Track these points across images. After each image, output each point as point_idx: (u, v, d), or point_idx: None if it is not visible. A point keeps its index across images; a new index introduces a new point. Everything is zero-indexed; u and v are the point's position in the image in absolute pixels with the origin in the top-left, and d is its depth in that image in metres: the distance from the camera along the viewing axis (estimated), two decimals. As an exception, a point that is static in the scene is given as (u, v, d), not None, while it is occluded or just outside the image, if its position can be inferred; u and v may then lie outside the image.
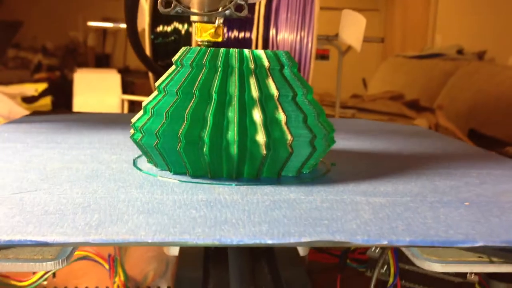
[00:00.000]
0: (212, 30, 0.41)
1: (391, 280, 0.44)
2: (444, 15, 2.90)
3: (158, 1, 0.40)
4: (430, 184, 0.39)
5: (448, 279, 0.45)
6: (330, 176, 0.41)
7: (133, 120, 0.41)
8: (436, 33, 2.95)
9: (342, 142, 0.56)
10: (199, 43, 0.42)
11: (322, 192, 0.36)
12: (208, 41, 0.42)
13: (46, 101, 2.26)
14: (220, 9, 0.41)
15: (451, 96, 2.10)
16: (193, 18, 0.42)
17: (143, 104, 0.41)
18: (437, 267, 0.33)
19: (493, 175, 0.43)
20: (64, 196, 0.33)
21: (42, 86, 2.42)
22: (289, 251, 0.44)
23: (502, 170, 0.45)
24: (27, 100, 2.27)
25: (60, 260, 0.31)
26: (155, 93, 0.41)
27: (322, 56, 1.62)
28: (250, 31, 0.96)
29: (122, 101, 2.06)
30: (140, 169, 0.41)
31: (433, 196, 0.36)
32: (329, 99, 1.88)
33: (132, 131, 0.41)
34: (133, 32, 0.54)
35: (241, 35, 0.97)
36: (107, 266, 0.47)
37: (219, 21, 0.41)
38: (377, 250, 0.47)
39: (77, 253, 0.47)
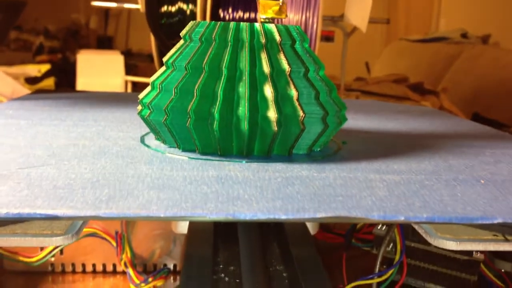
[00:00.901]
0: (277, 7, 0.40)
1: (397, 257, 0.43)
2: (448, -1, 2.88)
3: None
4: (444, 163, 0.38)
5: (454, 257, 0.45)
6: (341, 154, 0.40)
7: (141, 96, 0.40)
8: (441, 17, 2.92)
9: (352, 122, 0.55)
10: (262, 20, 0.41)
11: (334, 169, 0.35)
12: (272, 18, 0.40)
13: (49, 82, 2.24)
14: None
15: (455, 80, 2.09)
16: None
17: (151, 80, 0.40)
18: (452, 245, 0.32)
19: (508, 154, 0.42)
20: (72, 171, 0.32)
21: (45, 67, 2.40)
22: (299, 229, 0.44)
23: (515, 149, 0.44)
24: (30, 80, 2.26)
25: (70, 235, 0.30)
26: (163, 68, 0.40)
27: (327, 37, 1.60)
28: (255, 11, 0.94)
29: (126, 82, 2.05)
30: (148, 146, 0.40)
31: (448, 175, 0.35)
32: (334, 82, 1.86)
33: (139, 107, 0.40)
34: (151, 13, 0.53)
35: (246, 15, 0.96)
36: (114, 243, 0.47)
37: None
38: (383, 228, 0.46)
39: (85, 230, 0.46)
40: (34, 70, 2.41)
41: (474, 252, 0.44)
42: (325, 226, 0.53)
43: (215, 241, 0.42)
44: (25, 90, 1.79)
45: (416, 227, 0.35)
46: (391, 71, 2.32)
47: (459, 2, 2.79)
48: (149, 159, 0.36)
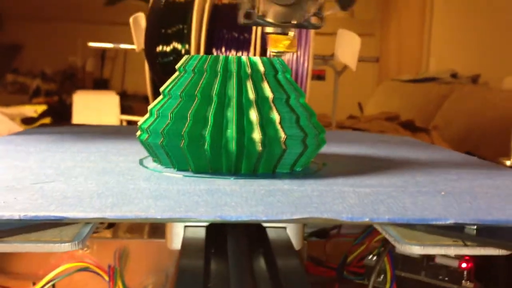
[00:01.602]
0: (287, 42, 0.43)
1: (387, 287, 0.47)
2: (438, 40, 2.96)
3: (239, 13, 0.41)
4: (412, 179, 0.43)
5: (444, 286, 0.48)
6: (321, 173, 0.44)
7: (140, 122, 0.45)
8: (430, 57, 3.00)
9: (334, 149, 0.59)
10: (273, 54, 0.43)
11: (313, 184, 0.39)
12: (283, 52, 0.43)
13: (46, 122, 2.29)
14: (295, 21, 0.41)
15: (446, 119, 2.13)
16: (268, 29, 0.43)
17: (149, 107, 0.45)
18: (417, 250, 0.36)
19: (472, 173, 0.47)
20: (80, 185, 0.36)
21: (42, 108, 2.45)
22: (284, 244, 0.48)
23: (481, 169, 0.49)
24: (27, 121, 2.30)
25: (76, 242, 0.34)
26: (160, 97, 0.45)
27: (318, 76, 1.66)
28: (248, 50, 0.99)
29: (121, 121, 2.10)
30: (146, 167, 0.44)
31: (413, 188, 0.39)
32: (325, 120, 1.91)
33: (138, 132, 0.45)
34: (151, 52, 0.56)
35: (239, 54, 1.01)
36: (106, 278, 0.48)
37: (293, 32, 0.42)
38: (374, 258, 0.50)
39: (77, 265, 0.47)
40: (31, 110, 2.44)
41: (463, 282, 0.48)
42: (316, 260, 0.55)
43: (207, 255, 0.46)
44: (21, 130, 1.83)
45: (386, 236, 0.39)
46: (383, 110, 2.37)
47: (448, 43, 2.87)
48: (147, 177, 0.40)
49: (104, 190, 0.35)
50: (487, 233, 0.34)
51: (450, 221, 0.31)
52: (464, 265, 0.47)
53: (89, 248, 0.52)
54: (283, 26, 0.43)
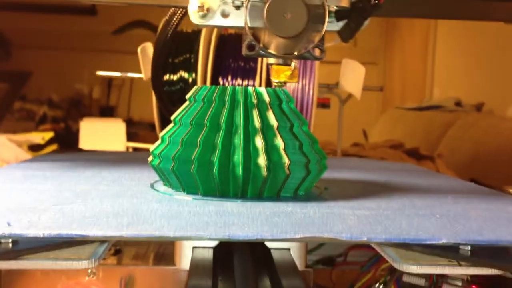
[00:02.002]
0: (289, 72, 0.45)
1: None
2: (442, 68, 2.98)
3: (243, 45, 0.43)
4: (409, 203, 0.45)
5: None
6: (323, 196, 0.47)
7: (151, 148, 0.47)
8: (434, 86, 3.02)
9: (336, 174, 0.62)
10: (275, 84, 0.45)
11: (315, 207, 0.42)
12: (284, 82, 0.45)
13: (53, 149, 2.31)
14: (298, 52, 0.43)
15: (451, 147, 2.13)
16: (271, 60, 0.45)
17: (160, 134, 0.47)
18: (414, 269, 0.38)
19: (468, 197, 0.49)
20: (97, 207, 0.39)
21: (49, 135, 2.48)
22: (288, 265, 0.50)
23: (477, 194, 0.51)
24: (34, 148, 2.32)
25: (93, 259, 0.36)
26: (171, 125, 0.48)
27: (323, 104, 1.69)
28: (254, 79, 1.02)
29: (127, 148, 2.12)
30: (157, 190, 0.47)
31: (410, 211, 0.42)
32: (330, 147, 1.93)
33: (150, 157, 0.47)
34: (157, 81, 0.58)
35: (245, 83, 1.04)
36: None
37: (295, 63, 0.44)
38: (381, 287, 0.51)
39: None
40: (38, 137, 2.47)
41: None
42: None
43: (214, 275, 0.48)
44: (28, 157, 1.85)
45: (385, 256, 0.41)
46: (388, 138, 2.38)
47: (452, 72, 2.89)
48: (159, 199, 0.43)
49: (119, 210, 0.38)
50: (483, 254, 0.36)
51: (443, 241, 0.34)
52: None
53: (95, 275, 0.53)
54: (285, 57, 0.45)
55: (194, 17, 0.46)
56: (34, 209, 0.37)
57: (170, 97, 1.09)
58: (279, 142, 0.44)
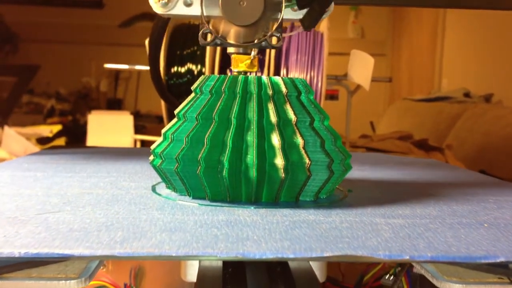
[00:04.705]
0: (248, 61, 0.42)
1: None
2: (450, 59, 2.94)
3: (199, 34, 0.42)
4: (448, 208, 0.39)
5: None
6: (347, 201, 0.41)
7: (152, 146, 0.42)
8: (443, 77, 2.97)
9: (357, 172, 0.56)
10: (235, 73, 0.43)
11: (340, 214, 0.36)
12: (244, 71, 0.43)
13: (60, 142, 2.28)
14: (256, 41, 0.42)
15: (459, 138, 2.10)
16: (230, 50, 0.43)
17: (163, 131, 0.42)
18: (458, 288, 0.32)
19: (510, 201, 0.43)
20: (87, 216, 0.33)
21: (57, 128, 2.45)
22: (307, 276, 0.44)
23: (519, 197, 0.45)
24: (42, 141, 2.30)
25: (83, 278, 0.31)
26: (174, 120, 0.42)
27: (332, 96, 1.64)
28: (262, 71, 0.97)
29: (135, 141, 2.08)
30: (159, 194, 0.41)
31: (452, 219, 0.36)
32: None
33: (151, 157, 0.42)
34: (155, 72, 0.55)
35: (253, 75, 0.98)
36: None
37: (254, 52, 0.42)
38: (391, 278, 0.47)
39: (93, 283, 0.47)
40: (46, 130, 2.45)
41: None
42: (332, 280, 0.53)
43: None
44: (36, 149, 1.82)
45: (422, 271, 0.35)
46: (396, 129, 2.34)
47: (460, 63, 2.84)
48: (161, 205, 0.37)
49: (113, 221, 0.32)
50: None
51: (500, 259, 0.28)
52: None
53: (105, 266, 0.50)
54: (243, 46, 0.43)
55: (155, 6, 0.43)
56: (14, 220, 0.32)
57: (178, 89, 1.04)
58: (299, 139, 0.38)
